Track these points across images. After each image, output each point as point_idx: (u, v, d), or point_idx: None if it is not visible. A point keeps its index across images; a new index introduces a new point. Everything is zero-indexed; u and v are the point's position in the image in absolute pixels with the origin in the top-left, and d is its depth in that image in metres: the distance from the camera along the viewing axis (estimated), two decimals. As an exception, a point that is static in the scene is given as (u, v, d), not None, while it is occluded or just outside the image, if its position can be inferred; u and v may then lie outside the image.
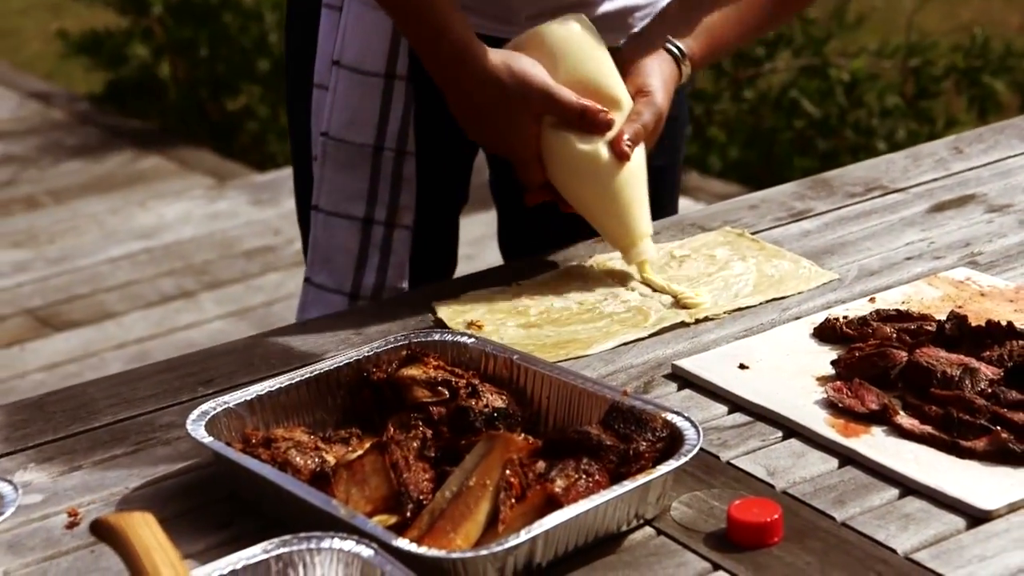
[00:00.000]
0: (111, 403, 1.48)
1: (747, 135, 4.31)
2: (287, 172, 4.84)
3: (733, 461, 1.37)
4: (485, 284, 1.70)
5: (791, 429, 1.40)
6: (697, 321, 1.61)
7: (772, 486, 1.33)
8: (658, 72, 1.71)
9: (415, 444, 1.34)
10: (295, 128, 1.91)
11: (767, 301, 1.65)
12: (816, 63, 4.30)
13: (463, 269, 1.90)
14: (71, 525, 1.29)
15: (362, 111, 1.78)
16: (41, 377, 3.48)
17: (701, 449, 1.36)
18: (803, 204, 1.86)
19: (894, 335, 1.48)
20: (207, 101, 5.38)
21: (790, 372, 1.48)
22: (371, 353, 1.44)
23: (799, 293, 1.66)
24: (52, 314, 3.79)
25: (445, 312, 1.64)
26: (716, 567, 1.22)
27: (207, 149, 5.13)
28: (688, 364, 1.51)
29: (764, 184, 4.40)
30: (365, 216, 1.79)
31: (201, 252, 4.13)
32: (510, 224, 2.02)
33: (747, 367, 1.50)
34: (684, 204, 2.15)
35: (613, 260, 1.73)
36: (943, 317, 1.50)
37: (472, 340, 1.46)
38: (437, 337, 1.47)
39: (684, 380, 1.50)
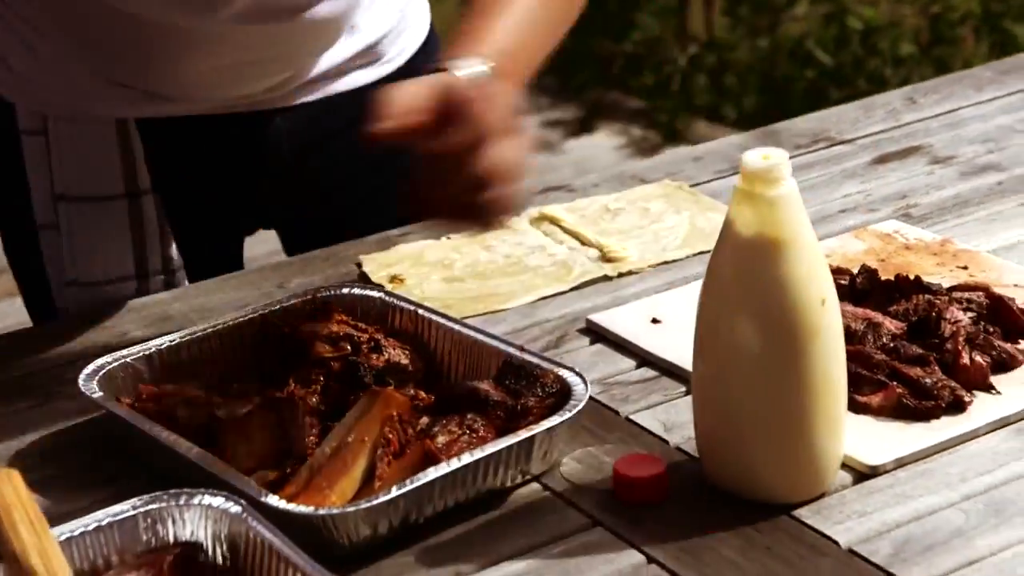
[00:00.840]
0: (24, 356, 1.48)
1: (760, 84, 4.26)
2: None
3: (631, 416, 1.35)
4: (417, 238, 1.69)
5: (694, 383, 1.39)
6: (620, 275, 1.59)
7: (667, 442, 1.31)
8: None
9: (314, 400, 1.34)
10: (25, 281, 1.71)
11: (695, 255, 1.63)
12: (834, 10, 4.24)
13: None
14: (-40, 479, 1.29)
15: (110, 245, 1.61)
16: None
17: (600, 404, 1.36)
18: (748, 155, 1.84)
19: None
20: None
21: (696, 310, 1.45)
22: (277, 308, 1.44)
23: (728, 246, 1.64)
24: None
25: (370, 265, 1.63)
26: (596, 523, 1.21)
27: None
28: (601, 318, 1.49)
29: (780, 135, 4.38)
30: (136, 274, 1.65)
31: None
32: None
33: (659, 321, 1.48)
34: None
35: (546, 211, 1.72)
36: (860, 271, 1.48)
37: (379, 294, 1.45)
38: (345, 291, 1.46)
39: (597, 334, 1.49)
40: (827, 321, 1.19)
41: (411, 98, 1.28)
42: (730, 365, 1.22)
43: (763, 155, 1.19)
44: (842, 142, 1.86)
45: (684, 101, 4.36)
